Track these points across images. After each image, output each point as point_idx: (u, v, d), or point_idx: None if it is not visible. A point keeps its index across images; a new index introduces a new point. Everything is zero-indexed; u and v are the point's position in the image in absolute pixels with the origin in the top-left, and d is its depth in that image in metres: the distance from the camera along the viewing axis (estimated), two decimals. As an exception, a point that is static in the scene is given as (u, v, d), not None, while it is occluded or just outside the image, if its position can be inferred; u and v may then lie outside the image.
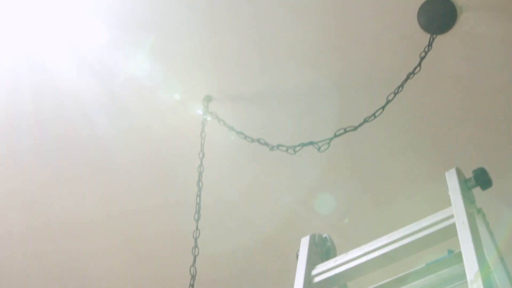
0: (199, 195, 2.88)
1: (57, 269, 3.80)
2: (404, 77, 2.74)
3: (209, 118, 3.10)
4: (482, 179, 1.80)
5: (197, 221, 2.80)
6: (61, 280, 3.84)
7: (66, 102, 3.22)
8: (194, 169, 2.97)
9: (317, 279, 1.81)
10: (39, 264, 3.79)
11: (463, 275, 1.80)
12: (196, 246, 2.74)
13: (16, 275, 3.82)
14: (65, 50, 3.04)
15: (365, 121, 2.77)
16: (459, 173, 1.80)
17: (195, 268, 2.68)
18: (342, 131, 2.77)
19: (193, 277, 2.66)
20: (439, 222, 1.68)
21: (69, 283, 3.84)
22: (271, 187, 3.50)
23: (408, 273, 1.93)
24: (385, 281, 1.95)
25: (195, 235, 2.76)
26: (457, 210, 1.63)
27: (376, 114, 2.76)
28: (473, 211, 1.72)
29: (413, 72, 2.74)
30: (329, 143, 2.77)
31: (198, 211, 2.83)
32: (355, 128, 2.77)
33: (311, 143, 2.82)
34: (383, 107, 2.75)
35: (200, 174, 2.94)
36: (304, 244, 1.94)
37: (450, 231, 1.65)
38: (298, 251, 1.95)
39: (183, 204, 3.39)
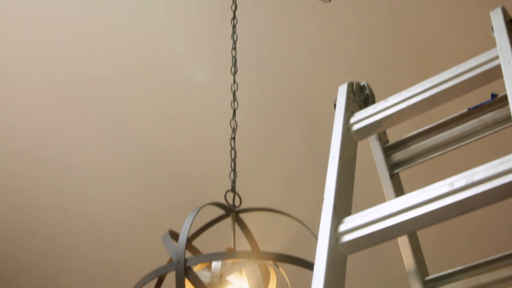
0: (234, 48, 2.83)
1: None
2: None
3: None
4: (530, 15, 1.70)
5: (234, 74, 2.77)
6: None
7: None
8: (227, 22, 2.90)
9: (355, 127, 1.77)
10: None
11: (507, 120, 1.76)
12: (234, 99, 2.73)
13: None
14: None
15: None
16: (505, 12, 1.69)
17: (235, 121, 2.69)
18: (380, -25, 2.65)
19: (234, 130, 2.68)
20: (483, 64, 1.61)
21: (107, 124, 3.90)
22: (305, 39, 3.43)
23: (449, 118, 1.89)
24: (425, 127, 1.93)
25: (233, 89, 2.75)
26: (502, 50, 1.54)
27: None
28: (520, 52, 1.63)
29: None
30: (365, -12, 2.66)
31: (234, 64, 2.79)
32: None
33: (347, -11, 2.72)
34: None
35: (234, 26, 2.88)
36: (342, 93, 1.88)
37: (495, 73, 1.57)
38: (336, 100, 1.91)
39: (218, 59, 3.37)
